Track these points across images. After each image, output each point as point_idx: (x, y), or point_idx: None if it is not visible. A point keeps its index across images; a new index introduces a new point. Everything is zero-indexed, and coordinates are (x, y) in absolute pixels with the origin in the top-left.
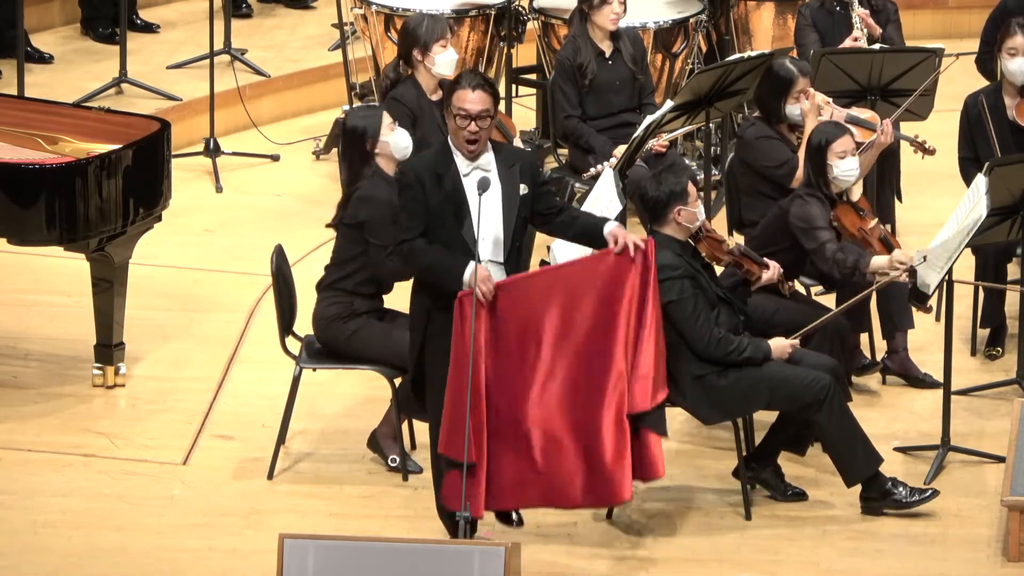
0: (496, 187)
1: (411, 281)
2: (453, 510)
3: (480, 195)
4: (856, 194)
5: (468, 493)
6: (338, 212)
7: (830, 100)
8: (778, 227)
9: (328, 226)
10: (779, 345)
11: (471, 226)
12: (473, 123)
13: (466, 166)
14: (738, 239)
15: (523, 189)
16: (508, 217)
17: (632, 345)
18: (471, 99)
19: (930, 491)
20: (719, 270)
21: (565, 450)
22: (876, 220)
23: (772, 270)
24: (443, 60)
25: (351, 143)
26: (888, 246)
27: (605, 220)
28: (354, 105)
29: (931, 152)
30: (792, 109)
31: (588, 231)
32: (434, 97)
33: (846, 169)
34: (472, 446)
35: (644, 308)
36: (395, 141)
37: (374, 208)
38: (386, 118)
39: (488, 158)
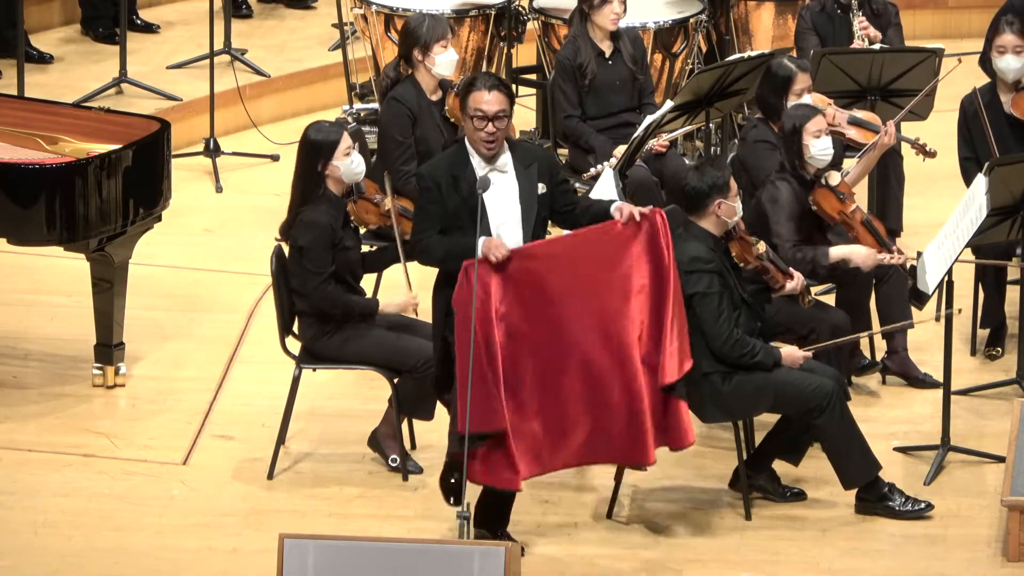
0: (513, 186)
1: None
2: (491, 484)
3: (480, 194)
4: (836, 178)
5: (493, 466)
6: (284, 229)
7: (831, 102)
8: (755, 216)
9: (277, 239)
10: (790, 354)
11: (488, 227)
12: (490, 124)
13: (483, 167)
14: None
15: (541, 188)
16: (527, 217)
17: (651, 313)
18: (487, 100)
19: (924, 504)
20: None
21: (583, 412)
22: (856, 204)
23: (796, 281)
24: (443, 60)
25: (307, 156)
26: (872, 230)
27: (612, 202)
28: (354, 106)
29: (932, 155)
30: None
31: (600, 216)
32: (434, 97)
33: (822, 148)
34: (494, 413)
35: (661, 277)
36: (346, 167)
37: (314, 234)
38: (345, 140)
39: (505, 159)
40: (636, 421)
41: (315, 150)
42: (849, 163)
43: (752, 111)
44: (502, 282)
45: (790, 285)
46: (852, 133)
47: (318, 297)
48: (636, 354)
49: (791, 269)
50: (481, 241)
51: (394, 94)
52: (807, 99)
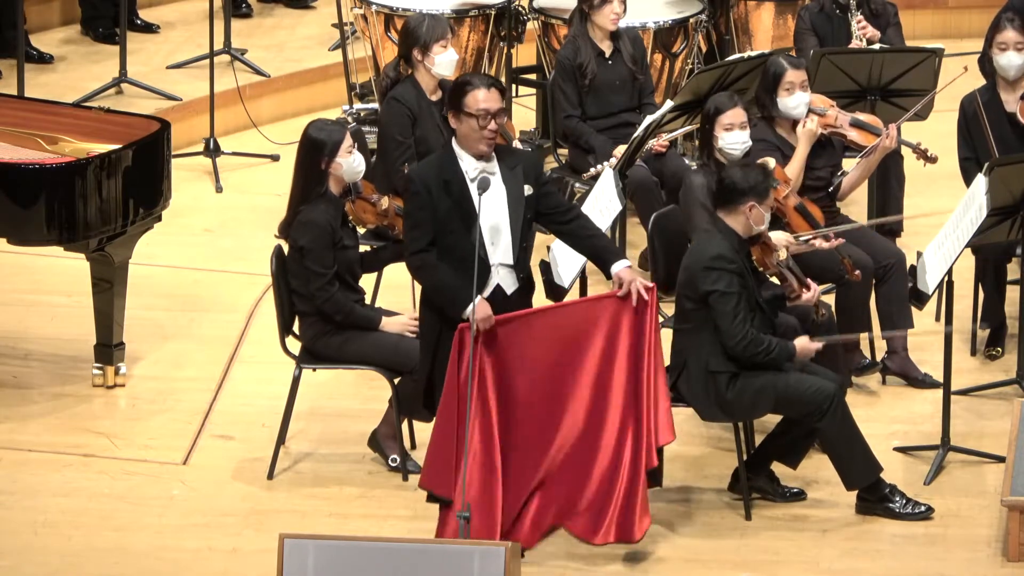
0: (501, 190)
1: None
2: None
3: (480, 195)
4: (770, 164)
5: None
6: (283, 227)
7: (834, 103)
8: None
9: (277, 237)
10: (804, 346)
11: (479, 231)
12: (493, 121)
13: (473, 170)
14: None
15: (528, 190)
16: (515, 219)
17: (636, 391)
18: (488, 98)
19: (925, 507)
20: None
21: (563, 485)
22: (790, 190)
23: (812, 292)
24: (443, 60)
25: (309, 154)
26: (806, 216)
27: (617, 255)
28: (354, 106)
29: (933, 160)
30: (784, 102)
31: (597, 256)
32: (434, 97)
33: (731, 142)
34: (480, 482)
35: (647, 353)
36: (348, 165)
37: (313, 233)
38: (347, 140)
39: (493, 161)
40: (607, 498)
41: (318, 148)
42: (849, 164)
43: (752, 111)
44: (491, 351)
45: (806, 296)
46: (853, 135)
47: (322, 299)
48: (608, 437)
49: (808, 280)
50: (470, 307)
51: (394, 94)
52: (803, 97)
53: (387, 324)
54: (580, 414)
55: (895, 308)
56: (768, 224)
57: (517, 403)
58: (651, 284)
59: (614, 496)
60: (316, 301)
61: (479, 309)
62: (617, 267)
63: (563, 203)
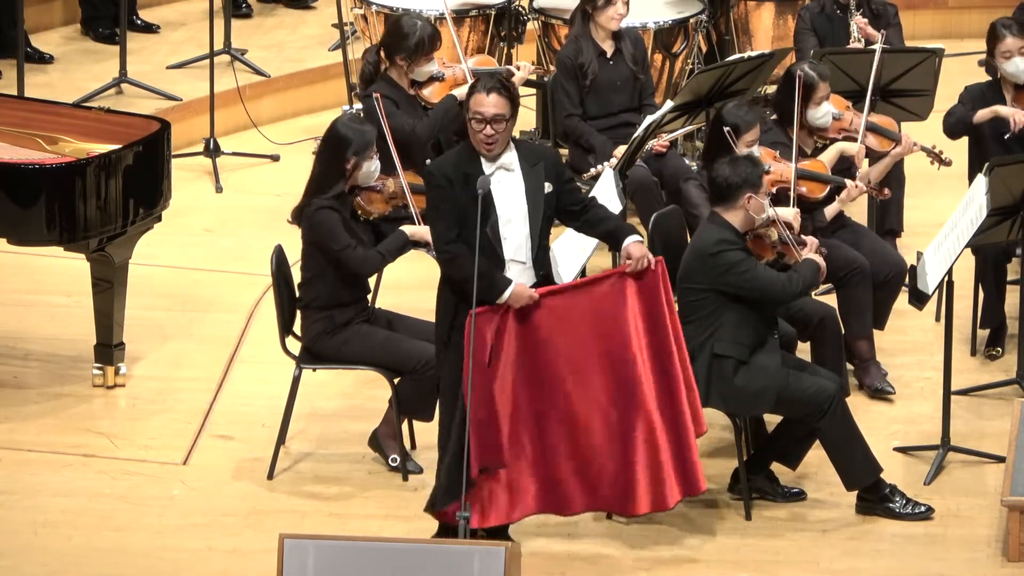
0: (519, 186)
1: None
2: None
3: (480, 193)
4: (755, 151)
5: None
6: (296, 213)
7: (849, 105)
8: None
9: (290, 222)
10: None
11: (496, 224)
12: (488, 127)
13: (490, 166)
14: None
15: (547, 187)
16: (533, 216)
17: (655, 365)
18: (486, 103)
19: (925, 507)
20: None
21: (592, 460)
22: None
23: (810, 246)
24: (424, 70)
25: (333, 148)
26: (813, 177)
27: (628, 231)
28: (354, 106)
29: (947, 163)
30: (814, 112)
31: (611, 237)
32: (410, 91)
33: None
34: (500, 450)
35: (666, 327)
36: (367, 168)
37: (320, 217)
38: (374, 144)
39: (511, 157)
40: (628, 471)
41: (344, 145)
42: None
43: (768, 112)
44: (513, 328)
45: (805, 252)
46: (869, 140)
47: (355, 264)
48: (639, 405)
49: (803, 237)
50: (509, 291)
51: (375, 91)
52: (829, 107)
53: (414, 234)
54: (602, 391)
55: (880, 312)
56: (770, 211)
57: (536, 381)
58: (658, 257)
59: (651, 464)
60: (351, 268)
61: (518, 292)
62: (628, 242)
63: (583, 198)
